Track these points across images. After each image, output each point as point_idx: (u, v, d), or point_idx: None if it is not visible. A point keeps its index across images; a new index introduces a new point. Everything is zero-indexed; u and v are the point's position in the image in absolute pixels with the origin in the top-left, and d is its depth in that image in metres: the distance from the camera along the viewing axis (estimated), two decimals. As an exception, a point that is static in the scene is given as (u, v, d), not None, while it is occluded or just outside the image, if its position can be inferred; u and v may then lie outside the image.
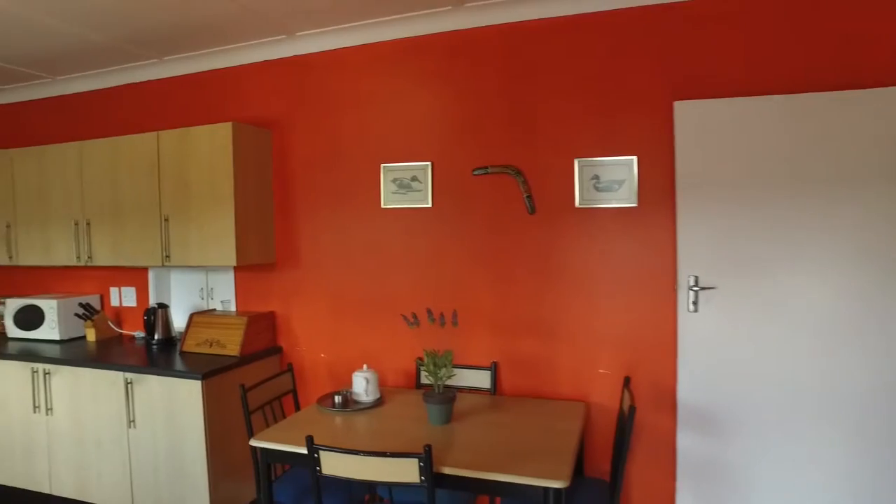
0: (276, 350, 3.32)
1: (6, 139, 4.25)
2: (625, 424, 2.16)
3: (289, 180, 3.28)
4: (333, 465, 1.89)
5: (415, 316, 2.58)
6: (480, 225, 2.89)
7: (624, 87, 2.63)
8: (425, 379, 2.94)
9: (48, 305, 3.67)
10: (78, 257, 3.48)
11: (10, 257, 3.78)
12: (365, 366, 2.76)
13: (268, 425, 2.65)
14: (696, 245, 2.54)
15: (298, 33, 3.09)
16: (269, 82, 3.31)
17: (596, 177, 2.70)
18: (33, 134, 4.10)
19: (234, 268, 3.50)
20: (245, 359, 3.07)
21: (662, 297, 2.61)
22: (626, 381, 2.51)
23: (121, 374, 3.00)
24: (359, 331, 3.16)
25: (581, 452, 2.65)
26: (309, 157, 3.23)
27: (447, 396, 2.40)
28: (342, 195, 3.15)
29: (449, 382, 2.62)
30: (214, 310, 3.53)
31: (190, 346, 3.23)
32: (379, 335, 3.11)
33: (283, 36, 3.13)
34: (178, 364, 2.96)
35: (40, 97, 4.05)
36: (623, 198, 2.67)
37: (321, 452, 1.87)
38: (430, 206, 2.98)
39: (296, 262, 3.29)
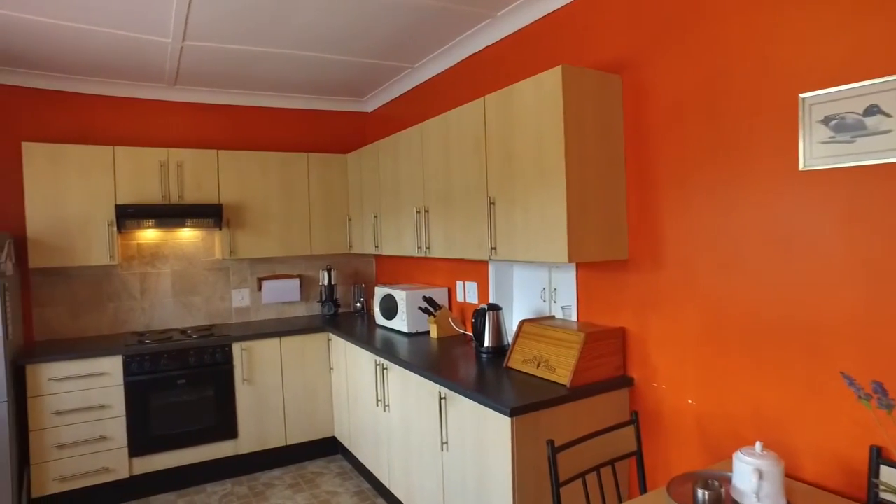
0: (624, 383, 2.38)
1: (381, 137, 4.49)
2: None
3: (646, 141, 2.28)
4: None
5: (882, 388, 1.27)
6: None
7: None
8: (888, 495, 1.54)
9: (399, 296, 3.61)
10: (419, 247, 3.27)
11: (377, 247, 3.89)
12: (759, 444, 1.57)
13: (590, 507, 1.76)
14: None
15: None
16: (614, 9, 2.37)
17: None
18: (401, 128, 4.19)
19: (577, 265, 2.70)
20: (577, 391, 2.24)
21: None
22: None
23: (437, 386, 2.57)
24: (751, 373, 1.94)
25: None
26: (675, 103, 2.16)
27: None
28: (727, 155, 1.98)
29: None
30: (553, 317, 2.81)
31: (516, 361, 2.59)
32: (789, 387, 1.83)
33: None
34: (492, 386, 2.33)
35: (403, 91, 4.10)
36: None
37: None
38: (905, 161, 1.55)
39: (656, 260, 2.27)
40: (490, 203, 2.61)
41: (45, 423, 3.21)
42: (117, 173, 3.57)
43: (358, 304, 4.55)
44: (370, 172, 3.92)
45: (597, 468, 1.85)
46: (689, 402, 2.14)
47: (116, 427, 3.36)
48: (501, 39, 3.04)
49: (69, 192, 3.45)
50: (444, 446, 2.52)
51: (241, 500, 3.40)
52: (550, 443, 1.72)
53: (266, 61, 3.53)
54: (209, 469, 3.64)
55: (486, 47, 3.16)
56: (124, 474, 3.38)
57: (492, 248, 2.62)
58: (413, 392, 2.80)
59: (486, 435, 2.23)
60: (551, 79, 2.20)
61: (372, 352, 3.24)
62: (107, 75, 3.67)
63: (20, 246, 3.52)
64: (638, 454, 1.98)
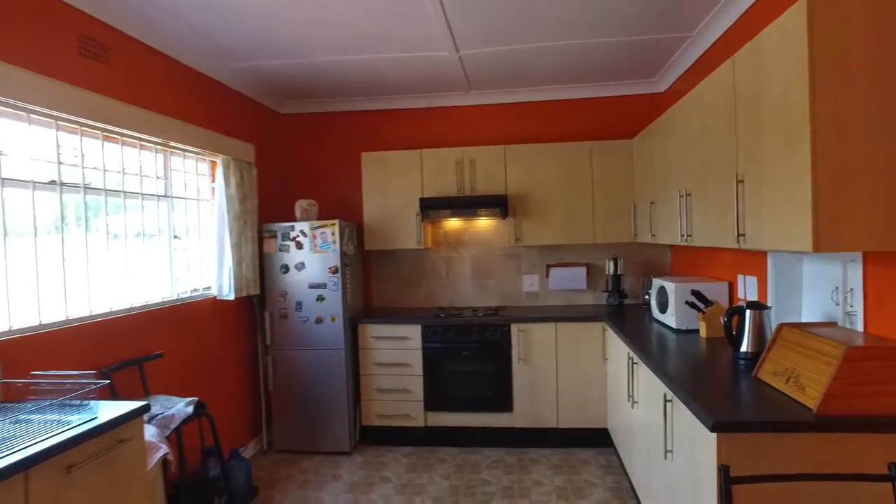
0: (920, 422, 1.69)
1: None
2: None
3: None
4: None
5: None
6: None
7: None
8: None
9: (669, 288, 3.28)
10: (681, 235, 2.92)
11: (653, 235, 3.61)
12: None
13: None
14: None
15: None
16: None
17: None
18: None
19: (864, 256, 2.02)
20: (827, 421, 1.70)
21: None
22: None
23: (662, 387, 2.29)
24: None
25: None
26: None
27: None
28: None
29: None
30: (834, 324, 2.17)
31: (766, 372, 2.11)
32: None
33: None
34: (718, 396, 1.96)
35: (689, 64, 3.64)
36: None
37: None
38: None
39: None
40: (738, 181, 2.18)
41: (370, 371, 4.10)
42: (423, 172, 4.25)
43: (646, 297, 4.28)
44: (648, 156, 3.66)
45: (810, 519, 1.41)
46: None
47: (416, 383, 4.04)
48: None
49: (390, 189, 4.30)
50: (669, 455, 2.25)
51: (507, 468, 3.66)
52: (723, 469, 1.40)
53: (537, 55, 3.66)
54: (488, 435, 4.02)
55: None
56: (420, 423, 4.04)
57: (739, 235, 2.19)
58: (651, 391, 2.56)
59: (698, 451, 1.91)
60: (794, 14, 1.72)
61: (627, 344, 3.06)
62: (417, 91, 4.41)
63: (360, 232, 4.54)
64: (892, 519, 1.41)
